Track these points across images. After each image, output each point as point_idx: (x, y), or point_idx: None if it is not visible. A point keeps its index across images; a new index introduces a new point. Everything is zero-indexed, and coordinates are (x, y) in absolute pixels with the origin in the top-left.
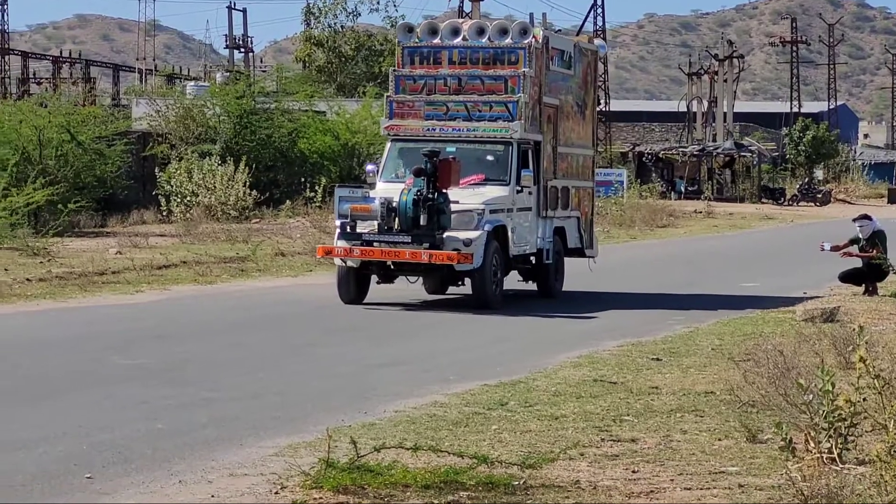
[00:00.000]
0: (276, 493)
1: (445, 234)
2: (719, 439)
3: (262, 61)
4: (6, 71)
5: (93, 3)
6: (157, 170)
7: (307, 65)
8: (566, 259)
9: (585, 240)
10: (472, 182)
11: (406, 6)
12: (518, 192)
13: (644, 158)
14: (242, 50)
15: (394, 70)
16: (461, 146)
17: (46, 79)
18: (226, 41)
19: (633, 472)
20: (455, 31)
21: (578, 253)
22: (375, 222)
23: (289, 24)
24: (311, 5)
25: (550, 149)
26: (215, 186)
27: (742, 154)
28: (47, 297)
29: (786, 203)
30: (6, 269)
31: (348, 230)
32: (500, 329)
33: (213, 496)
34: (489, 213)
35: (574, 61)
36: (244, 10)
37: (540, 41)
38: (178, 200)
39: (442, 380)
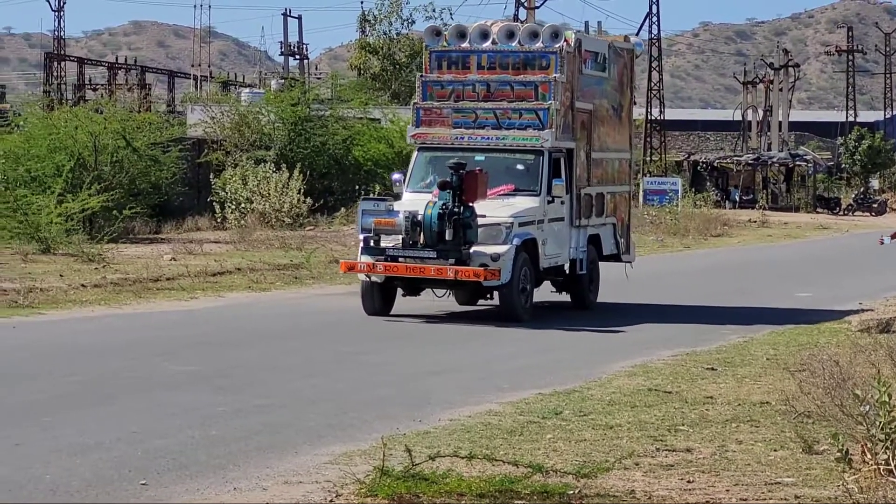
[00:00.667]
0: (331, 500)
1: (472, 249)
2: (775, 450)
3: (316, 68)
4: (62, 77)
5: (148, 9)
6: (211, 176)
7: (362, 72)
8: (602, 264)
9: (622, 245)
10: (502, 192)
11: (461, 14)
12: (549, 202)
13: (699, 167)
14: (297, 57)
15: (421, 75)
16: (490, 155)
17: (102, 85)
18: (281, 48)
19: (689, 482)
20: (484, 35)
21: (614, 258)
22: (400, 237)
23: (344, 31)
24: (366, 13)
25: (584, 156)
26: (269, 193)
27: (797, 163)
28: (102, 303)
29: (841, 213)
30: (61, 275)
31: (372, 245)
32: (553, 338)
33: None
34: (518, 226)
35: (609, 63)
36: (299, 18)
37: (572, 44)
38: (233, 207)
39: (496, 388)
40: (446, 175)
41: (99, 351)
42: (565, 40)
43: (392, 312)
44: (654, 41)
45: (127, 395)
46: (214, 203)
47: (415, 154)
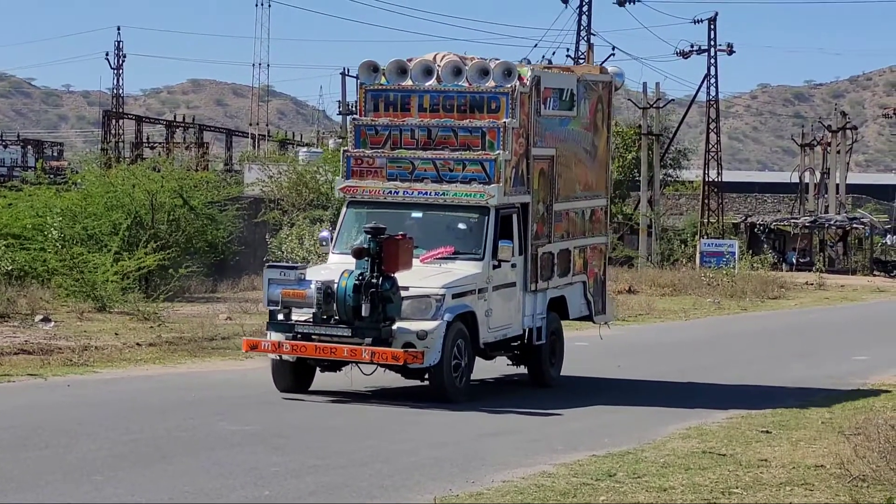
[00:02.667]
0: None
1: (396, 326)
2: None
3: None
4: (120, 135)
5: (207, 68)
6: (268, 236)
7: None
8: (577, 320)
9: (595, 305)
10: (439, 256)
11: None
12: (496, 266)
13: (756, 229)
14: None
15: (354, 118)
16: (429, 212)
17: (160, 143)
18: (339, 107)
19: None
20: (428, 72)
21: (585, 320)
22: (311, 310)
23: None
24: None
25: (543, 209)
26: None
27: (854, 226)
28: (157, 362)
29: None
30: (116, 334)
31: (279, 319)
32: (609, 399)
33: None
34: (451, 298)
35: (578, 99)
36: (357, 77)
37: (528, 83)
38: None
39: (550, 450)
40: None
41: (153, 410)
42: (519, 78)
43: None
44: (712, 103)
45: (181, 454)
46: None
47: (343, 209)
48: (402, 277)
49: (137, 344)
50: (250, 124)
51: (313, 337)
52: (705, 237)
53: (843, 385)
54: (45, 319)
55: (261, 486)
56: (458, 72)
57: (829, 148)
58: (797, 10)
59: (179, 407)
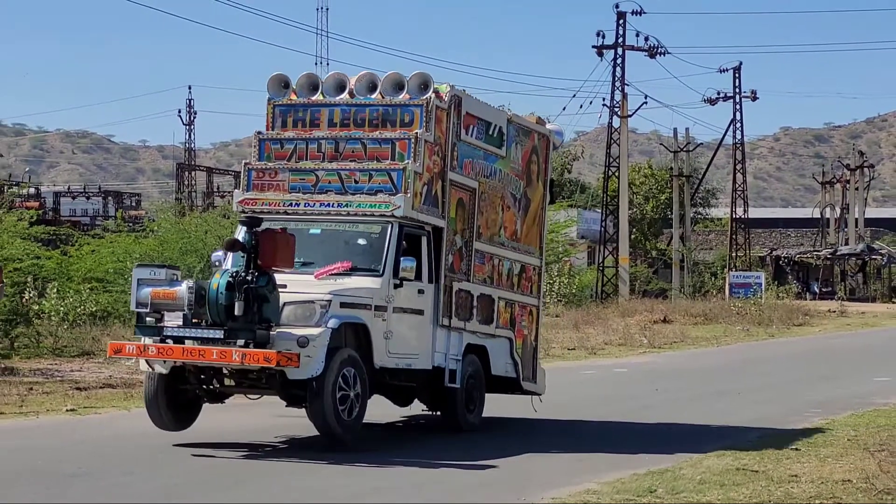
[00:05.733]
0: None
1: (278, 331)
2: None
3: None
4: (193, 185)
5: None
6: None
7: None
8: (499, 392)
9: (523, 369)
10: (334, 271)
11: (559, 123)
12: (397, 286)
13: (781, 262)
14: None
15: (258, 132)
16: (329, 227)
17: (229, 192)
18: None
19: None
20: (340, 87)
21: (512, 385)
22: (182, 312)
23: None
24: None
25: (461, 242)
26: None
27: (873, 257)
28: None
29: None
30: None
31: (147, 322)
32: (650, 418)
33: None
34: (339, 306)
35: (508, 140)
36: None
37: (446, 99)
38: None
39: (594, 469)
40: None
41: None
42: (437, 94)
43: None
44: (737, 146)
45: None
46: None
47: (240, 226)
48: (287, 285)
49: None
50: None
51: (185, 341)
52: (734, 270)
53: (867, 405)
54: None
55: None
56: (372, 87)
57: (847, 185)
58: (816, 57)
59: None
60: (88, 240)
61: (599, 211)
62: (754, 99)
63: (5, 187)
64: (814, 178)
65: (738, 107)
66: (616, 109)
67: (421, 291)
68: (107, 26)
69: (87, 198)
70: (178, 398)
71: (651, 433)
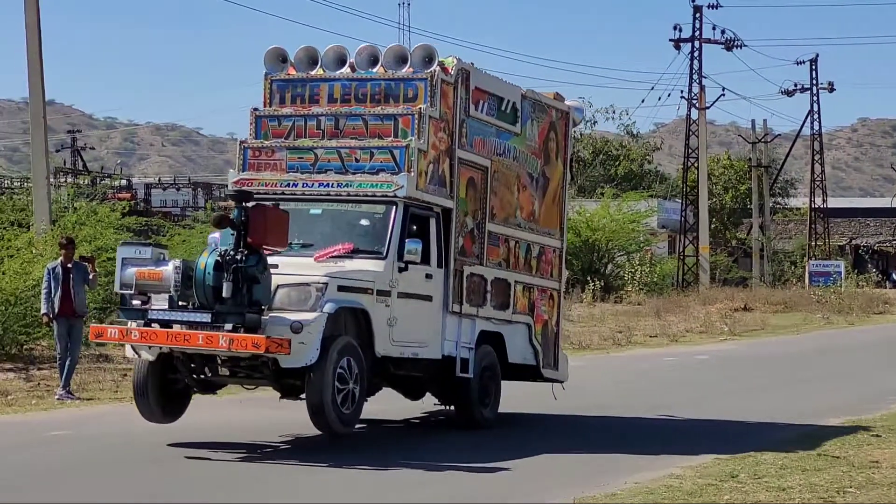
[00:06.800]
0: None
1: (271, 315)
2: None
3: None
4: None
5: None
6: None
7: None
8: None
9: (543, 356)
10: (334, 253)
11: (638, 114)
12: (402, 269)
13: (860, 251)
14: None
15: (255, 109)
16: (330, 207)
17: None
18: None
19: None
20: (341, 61)
21: (532, 373)
22: (168, 294)
23: None
24: None
25: (472, 224)
26: None
27: None
28: None
29: None
30: None
31: (131, 305)
32: (732, 405)
33: None
34: (337, 290)
35: (523, 117)
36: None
37: (452, 73)
38: None
39: (676, 454)
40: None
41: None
42: (441, 67)
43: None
44: (815, 136)
45: None
46: None
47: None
48: (283, 267)
49: None
50: None
51: (164, 324)
52: (813, 259)
53: None
54: None
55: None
56: (374, 60)
57: None
58: (893, 49)
59: None
60: (179, 230)
61: (679, 201)
62: (831, 90)
63: (98, 179)
64: (892, 168)
65: (815, 98)
66: (694, 102)
67: (429, 276)
68: (194, 20)
69: (178, 189)
70: (167, 388)
71: (731, 419)
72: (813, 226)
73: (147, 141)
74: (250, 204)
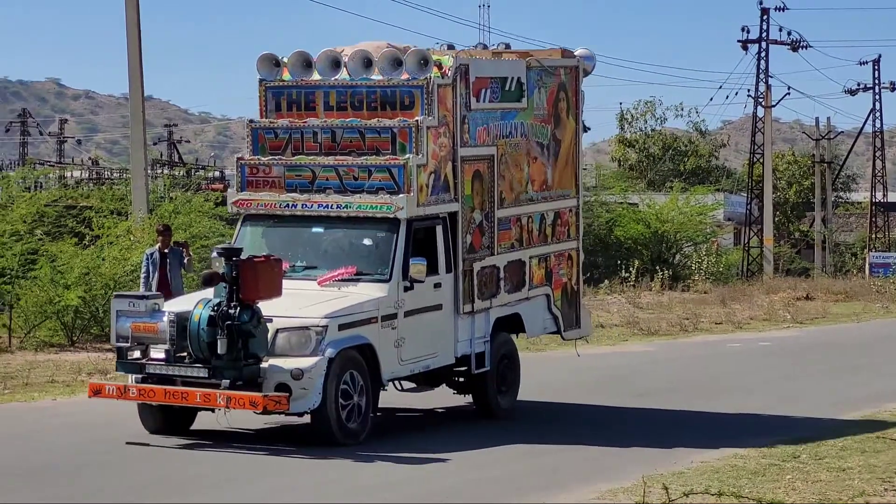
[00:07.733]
0: None
1: (269, 363)
2: None
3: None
4: None
5: None
6: None
7: (621, 163)
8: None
9: (563, 319)
10: (339, 277)
11: (707, 112)
12: (407, 288)
13: None
14: None
15: (250, 122)
16: (331, 227)
17: None
18: None
19: None
20: (335, 64)
21: (554, 335)
22: (164, 347)
23: (605, 128)
24: (624, 112)
25: (480, 217)
26: None
27: None
28: None
29: None
30: None
31: (129, 358)
32: (790, 389)
33: None
34: (337, 329)
35: (529, 89)
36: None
37: (450, 73)
38: None
39: (741, 435)
40: (278, 251)
41: None
42: (440, 68)
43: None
44: (877, 134)
45: None
46: None
47: (238, 226)
48: (278, 305)
49: None
50: None
51: (173, 380)
52: (873, 250)
53: None
54: None
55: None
56: (368, 63)
57: None
58: None
59: None
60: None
61: (745, 195)
62: (893, 90)
63: (192, 171)
64: None
65: (877, 97)
66: (760, 100)
67: (437, 285)
68: (283, 16)
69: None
70: (171, 407)
71: (791, 403)
72: (873, 219)
73: (239, 135)
74: (240, 258)
